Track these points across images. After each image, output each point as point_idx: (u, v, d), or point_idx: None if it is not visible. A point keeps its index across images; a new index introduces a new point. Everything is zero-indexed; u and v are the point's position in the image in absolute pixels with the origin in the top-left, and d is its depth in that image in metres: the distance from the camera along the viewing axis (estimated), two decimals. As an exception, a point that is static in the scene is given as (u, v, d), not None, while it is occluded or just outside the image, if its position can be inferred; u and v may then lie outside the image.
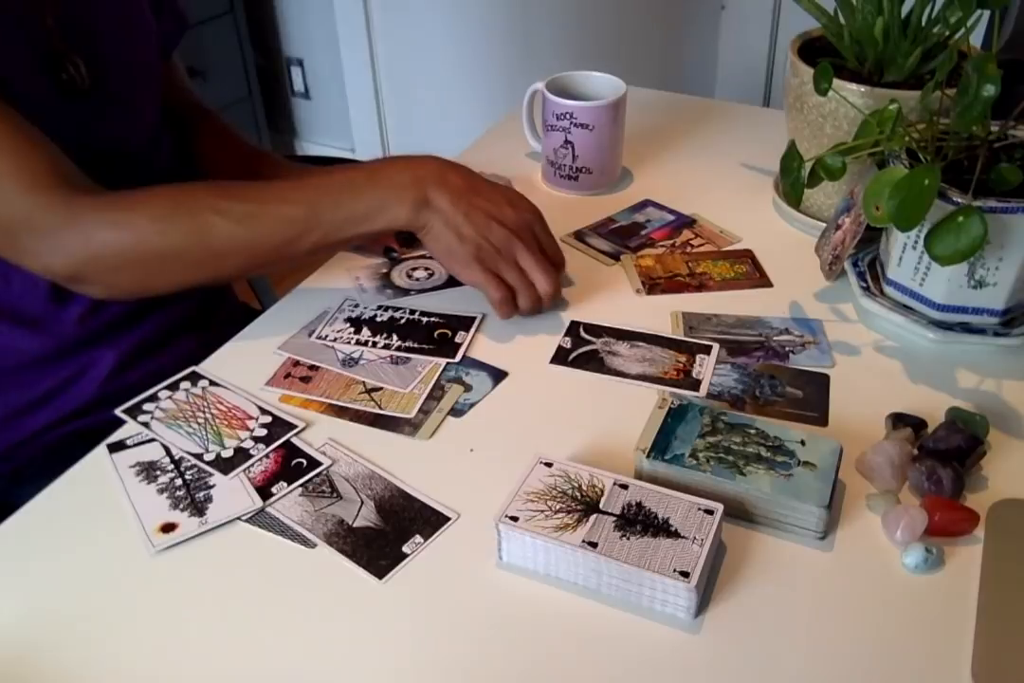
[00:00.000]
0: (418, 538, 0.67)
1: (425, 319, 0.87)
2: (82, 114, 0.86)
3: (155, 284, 0.82)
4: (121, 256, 0.78)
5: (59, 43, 0.83)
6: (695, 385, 0.79)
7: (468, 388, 0.79)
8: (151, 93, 0.96)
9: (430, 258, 0.96)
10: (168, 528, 0.67)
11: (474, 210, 0.80)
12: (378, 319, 0.87)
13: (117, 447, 0.74)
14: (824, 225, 0.92)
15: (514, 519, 0.63)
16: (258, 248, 0.79)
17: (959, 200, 0.73)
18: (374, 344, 0.84)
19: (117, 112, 0.89)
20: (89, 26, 0.86)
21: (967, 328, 0.82)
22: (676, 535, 0.61)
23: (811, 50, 0.95)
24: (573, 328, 0.86)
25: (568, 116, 1.01)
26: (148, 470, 0.72)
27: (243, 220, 0.77)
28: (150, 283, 0.82)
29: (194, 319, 0.98)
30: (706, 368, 0.80)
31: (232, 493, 0.70)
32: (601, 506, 0.63)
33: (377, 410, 0.77)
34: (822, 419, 0.75)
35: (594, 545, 0.61)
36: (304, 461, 0.73)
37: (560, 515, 0.63)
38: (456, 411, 0.77)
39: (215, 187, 0.81)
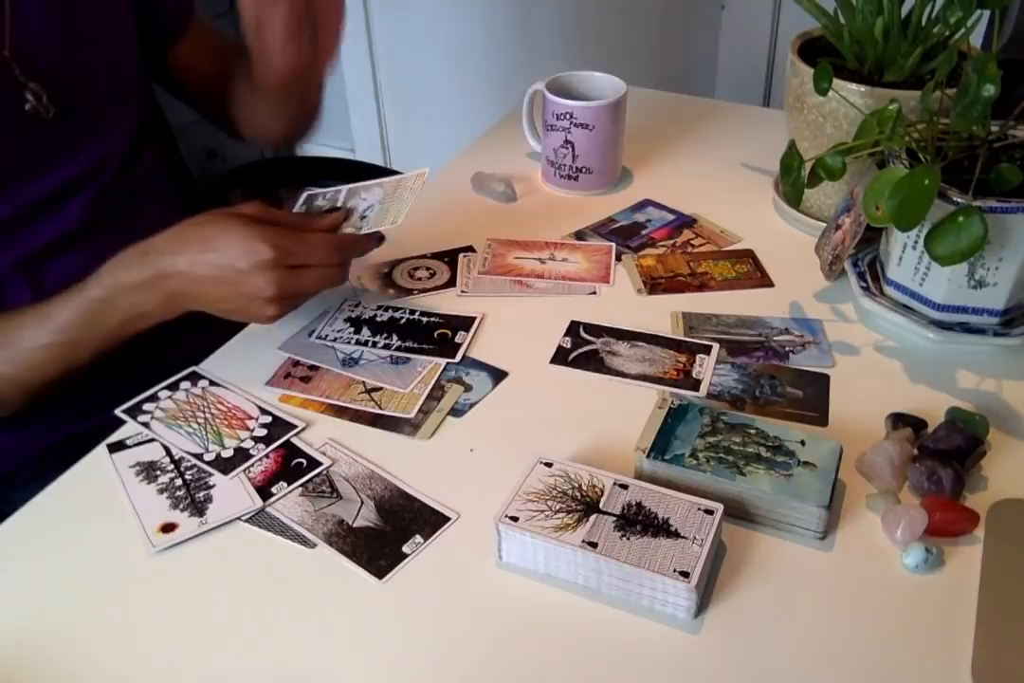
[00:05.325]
0: (418, 538, 0.67)
1: (425, 319, 0.87)
2: (48, 144, 0.84)
3: None
4: None
5: (19, 74, 0.81)
6: (695, 385, 0.79)
7: (468, 388, 0.79)
8: (127, 109, 0.94)
9: (431, 258, 0.96)
10: (168, 528, 0.67)
11: (228, 276, 0.75)
12: (378, 319, 0.87)
13: (117, 447, 0.74)
14: (824, 225, 0.92)
15: (514, 519, 0.63)
16: (31, 386, 0.80)
17: (959, 200, 0.73)
18: (374, 344, 0.84)
19: (86, 138, 0.88)
20: (50, 55, 0.84)
21: (967, 328, 0.81)
22: (676, 535, 0.61)
23: (811, 50, 0.94)
24: (573, 328, 0.86)
25: (568, 116, 1.01)
26: (148, 470, 0.72)
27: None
28: None
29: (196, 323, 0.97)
30: (706, 368, 0.80)
31: (232, 493, 0.70)
32: (601, 506, 0.63)
33: (377, 410, 0.77)
34: (822, 419, 0.75)
35: (594, 545, 0.61)
36: (304, 461, 0.73)
37: (560, 515, 0.63)
38: (456, 411, 0.77)
39: None
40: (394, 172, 0.85)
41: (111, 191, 0.92)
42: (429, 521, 0.68)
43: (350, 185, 0.86)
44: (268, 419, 0.76)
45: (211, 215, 0.77)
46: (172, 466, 0.73)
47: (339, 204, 0.84)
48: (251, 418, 0.77)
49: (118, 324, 0.78)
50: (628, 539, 0.61)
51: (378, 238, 0.83)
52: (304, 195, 0.86)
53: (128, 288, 0.76)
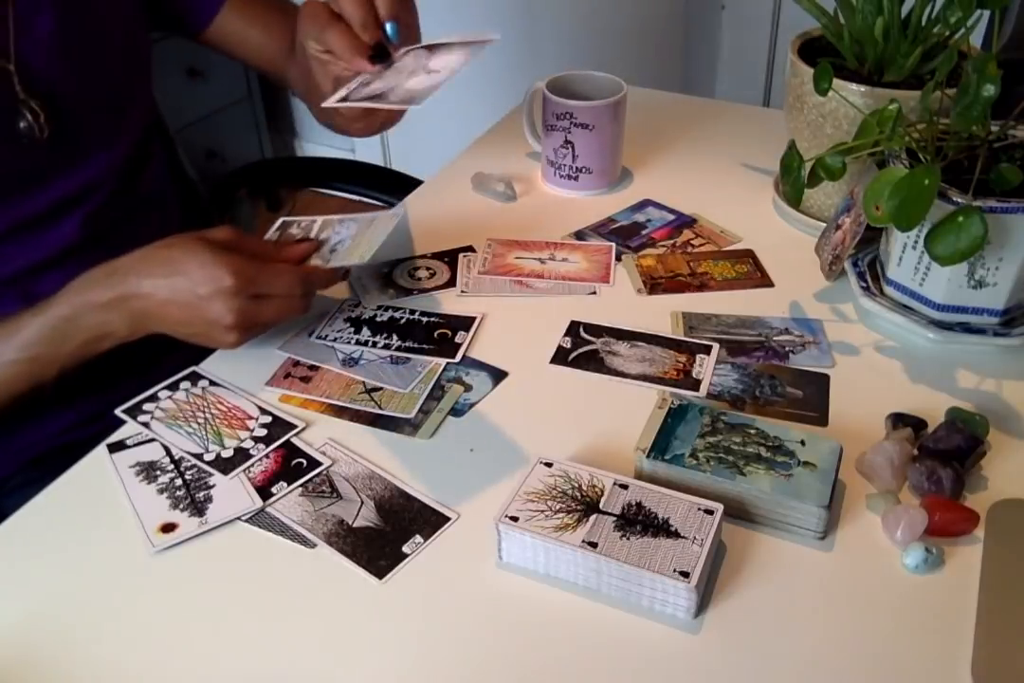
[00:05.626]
0: (418, 538, 0.67)
1: (425, 319, 0.87)
2: (40, 163, 0.84)
3: None
4: None
5: (20, 90, 0.80)
6: (695, 385, 0.79)
7: (468, 388, 0.79)
8: (134, 115, 0.93)
9: (431, 258, 0.96)
10: (168, 528, 0.67)
11: (189, 301, 0.75)
12: (378, 319, 0.87)
13: (117, 447, 0.74)
14: (824, 225, 0.92)
15: (514, 519, 0.63)
16: None
17: (959, 200, 0.73)
18: (374, 344, 0.84)
19: (84, 155, 0.87)
20: (53, 69, 0.83)
21: (967, 328, 0.82)
22: (676, 535, 0.61)
23: (811, 50, 0.94)
24: (573, 328, 0.86)
25: (568, 116, 1.01)
26: (148, 470, 0.72)
27: None
28: None
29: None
30: (706, 368, 0.80)
31: (232, 493, 0.70)
32: (601, 506, 0.63)
33: (377, 410, 0.77)
34: (822, 419, 0.75)
35: (594, 545, 0.61)
36: (304, 461, 0.73)
37: (560, 515, 0.63)
38: (456, 411, 0.77)
39: None
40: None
41: (112, 205, 0.91)
42: (429, 521, 0.68)
43: (325, 216, 0.86)
44: (268, 419, 0.76)
45: (180, 238, 0.77)
46: (172, 466, 0.73)
47: (312, 234, 0.84)
48: (251, 418, 0.77)
49: (82, 343, 0.77)
50: (628, 539, 0.61)
51: (343, 272, 0.84)
52: (279, 221, 0.87)
53: (93, 307, 0.76)
